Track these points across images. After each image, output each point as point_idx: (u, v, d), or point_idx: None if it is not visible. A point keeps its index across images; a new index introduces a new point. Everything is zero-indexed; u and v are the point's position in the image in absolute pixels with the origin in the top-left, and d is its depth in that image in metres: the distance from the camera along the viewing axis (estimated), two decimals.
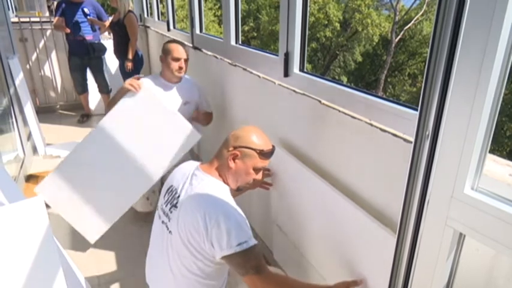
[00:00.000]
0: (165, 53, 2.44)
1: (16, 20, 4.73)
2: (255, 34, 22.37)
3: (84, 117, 4.77)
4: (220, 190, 1.36)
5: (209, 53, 2.80)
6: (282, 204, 1.87)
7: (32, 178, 3.23)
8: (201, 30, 3.11)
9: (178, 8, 15.53)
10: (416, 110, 0.89)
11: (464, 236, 0.89)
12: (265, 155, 1.43)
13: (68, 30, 4.16)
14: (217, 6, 21.94)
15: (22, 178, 3.08)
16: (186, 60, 2.44)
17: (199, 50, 2.99)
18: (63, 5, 4.17)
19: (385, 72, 18.11)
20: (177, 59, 2.40)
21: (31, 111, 3.70)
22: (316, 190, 1.55)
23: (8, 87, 3.29)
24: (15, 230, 1.10)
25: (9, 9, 5.13)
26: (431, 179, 0.88)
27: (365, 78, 20.53)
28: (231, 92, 2.55)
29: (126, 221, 2.67)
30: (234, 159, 1.39)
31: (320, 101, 1.57)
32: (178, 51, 2.41)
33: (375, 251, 1.26)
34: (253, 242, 1.25)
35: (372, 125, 1.31)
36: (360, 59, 20.13)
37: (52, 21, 4.60)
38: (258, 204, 2.23)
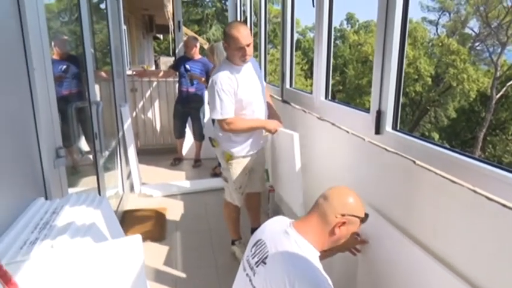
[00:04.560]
0: (228, 42, 2.23)
1: (130, 72, 5.45)
2: (341, 87, 22.55)
3: (177, 160, 5.13)
4: (312, 256, 1.33)
5: (297, 106, 2.87)
6: (368, 270, 1.75)
7: (126, 214, 3.52)
8: (290, 85, 3.23)
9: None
10: None
11: None
12: (364, 220, 1.43)
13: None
14: (304, 61, 22.76)
15: (119, 214, 3.37)
16: (249, 45, 2.20)
17: (288, 103, 3.08)
18: (178, 60, 4.94)
19: (484, 130, 16.66)
20: (240, 48, 2.19)
21: (133, 152, 4.11)
22: (408, 257, 1.43)
23: (118, 131, 3.72)
24: (113, 266, 1.19)
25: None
26: None
27: (460, 135, 19.10)
28: (317, 147, 2.55)
29: (207, 266, 2.73)
30: (340, 227, 1.38)
31: (414, 162, 1.49)
32: (240, 39, 2.17)
33: None
34: None
35: (475, 191, 1.20)
36: (453, 115, 18.93)
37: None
38: (340, 267, 2.12)
